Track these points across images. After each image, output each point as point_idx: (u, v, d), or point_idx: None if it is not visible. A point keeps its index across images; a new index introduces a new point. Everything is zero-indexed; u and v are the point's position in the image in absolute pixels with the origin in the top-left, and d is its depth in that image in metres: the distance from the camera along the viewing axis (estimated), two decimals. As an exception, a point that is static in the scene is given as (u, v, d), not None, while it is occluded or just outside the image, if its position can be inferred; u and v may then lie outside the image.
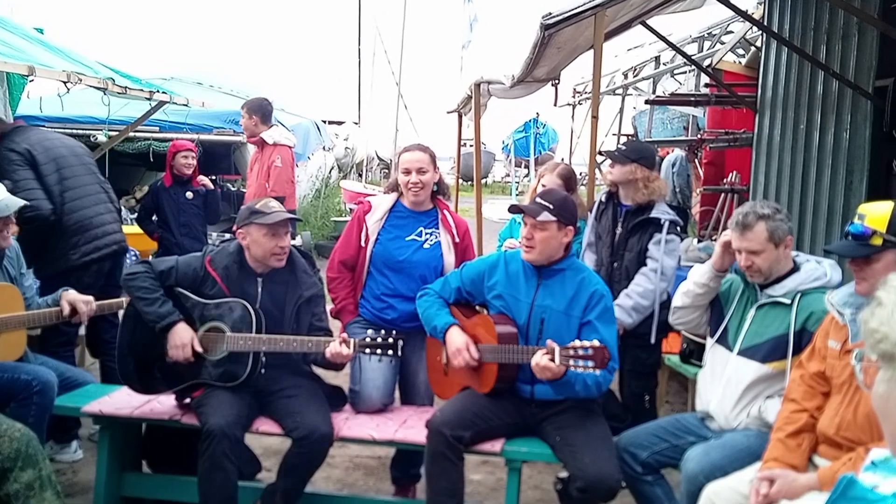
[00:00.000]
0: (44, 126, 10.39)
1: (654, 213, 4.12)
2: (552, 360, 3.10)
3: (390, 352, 3.43)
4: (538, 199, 3.40)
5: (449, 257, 3.93)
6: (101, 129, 9.33)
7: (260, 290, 3.61)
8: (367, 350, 3.44)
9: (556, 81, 7.05)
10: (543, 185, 4.41)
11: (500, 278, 3.53)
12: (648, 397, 4.24)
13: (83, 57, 6.85)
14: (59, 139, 4.82)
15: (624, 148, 4.23)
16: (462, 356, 3.42)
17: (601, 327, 3.30)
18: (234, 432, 3.34)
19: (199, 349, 3.50)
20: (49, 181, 4.49)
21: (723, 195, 8.74)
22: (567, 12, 4.42)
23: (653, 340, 4.12)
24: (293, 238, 3.92)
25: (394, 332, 3.49)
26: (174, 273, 3.60)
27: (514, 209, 3.72)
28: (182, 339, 3.48)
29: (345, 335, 3.51)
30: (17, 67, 5.45)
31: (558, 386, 3.23)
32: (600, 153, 4.25)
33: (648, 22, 6.47)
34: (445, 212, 4.01)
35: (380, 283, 3.92)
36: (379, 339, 3.43)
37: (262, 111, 6.58)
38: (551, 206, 3.35)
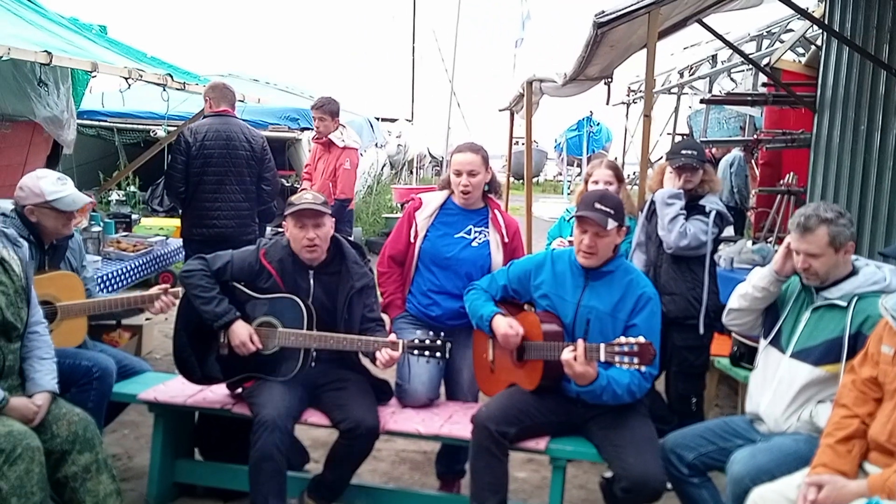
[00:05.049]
0: (106, 121, 10.73)
1: (702, 202, 4.11)
2: (584, 356, 3.12)
3: (438, 354, 3.47)
4: (598, 206, 3.34)
5: (497, 256, 3.94)
6: (161, 125, 9.56)
7: (312, 282, 3.67)
8: (416, 352, 3.48)
9: (609, 80, 7.00)
10: (595, 182, 4.38)
11: (547, 278, 3.53)
12: (695, 400, 4.19)
13: (143, 54, 7.04)
14: (229, 137, 5.68)
15: (695, 152, 4.14)
16: (510, 338, 3.43)
17: (646, 332, 3.25)
18: (285, 424, 3.40)
19: (258, 346, 3.57)
20: (192, 171, 5.60)
21: (779, 197, 8.57)
22: (620, 10, 4.39)
23: (701, 330, 4.07)
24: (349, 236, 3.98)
25: (442, 333, 3.52)
26: (230, 268, 3.67)
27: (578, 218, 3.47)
28: (241, 338, 3.55)
29: (393, 336, 3.55)
30: (80, 64, 5.63)
31: (585, 394, 3.26)
32: (680, 165, 4.10)
33: (705, 20, 6.38)
34: (496, 211, 4.01)
35: (427, 280, 3.95)
36: (427, 341, 3.47)
37: (338, 113, 6.79)
38: (613, 212, 3.34)
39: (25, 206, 3.68)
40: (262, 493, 3.37)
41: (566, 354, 3.15)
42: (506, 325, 3.47)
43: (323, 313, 3.62)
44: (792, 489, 2.71)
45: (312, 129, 7.59)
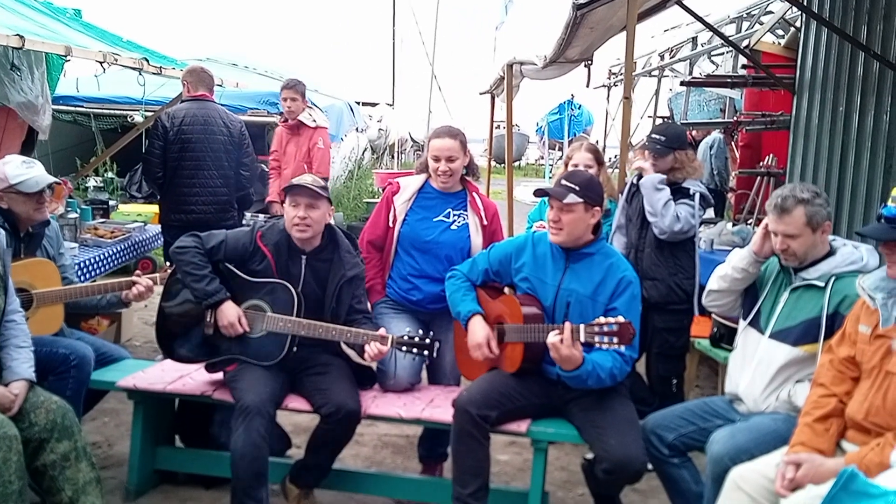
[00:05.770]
0: (82, 106, 10.60)
1: (685, 184, 4.12)
2: (570, 338, 3.09)
3: (426, 353, 3.47)
4: (563, 181, 3.37)
5: (476, 239, 3.93)
6: (138, 110, 9.47)
7: (304, 268, 3.64)
8: (404, 348, 3.48)
9: (589, 62, 6.99)
10: (575, 165, 4.38)
11: (528, 260, 3.53)
12: (676, 381, 4.23)
13: (119, 37, 6.94)
14: (207, 122, 5.66)
15: (662, 138, 4.13)
16: (481, 351, 3.44)
17: (626, 315, 3.22)
18: (267, 409, 3.38)
19: (246, 328, 3.56)
20: (170, 157, 5.58)
21: (759, 178, 8.60)
22: (600, -8, 4.38)
23: (696, 312, 4.12)
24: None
25: (431, 333, 3.53)
26: (223, 248, 3.64)
27: (539, 193, 3.68)
28: (229, 318, 3.54)
29: (383, 330, 3.54)
30: (54, 48, 5.55)
31: (570, 379, 3.23)
32: (644, 147, 4.13)
33: (685, 2, 6.37)
34: (474, 194, 4.00)
35: (406, 264, 3.93)
36: (416, 339, 3.47)
37: (305, 93, 6.72)
38: (577, 188, 3.32)
39: None
40: (243, 480, 3.35)
41: (552, 338, 3.13)
42: (481, 336, 3.45)
43: (311, 300, 3.60)
44: (771, 468, 2.73)
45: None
